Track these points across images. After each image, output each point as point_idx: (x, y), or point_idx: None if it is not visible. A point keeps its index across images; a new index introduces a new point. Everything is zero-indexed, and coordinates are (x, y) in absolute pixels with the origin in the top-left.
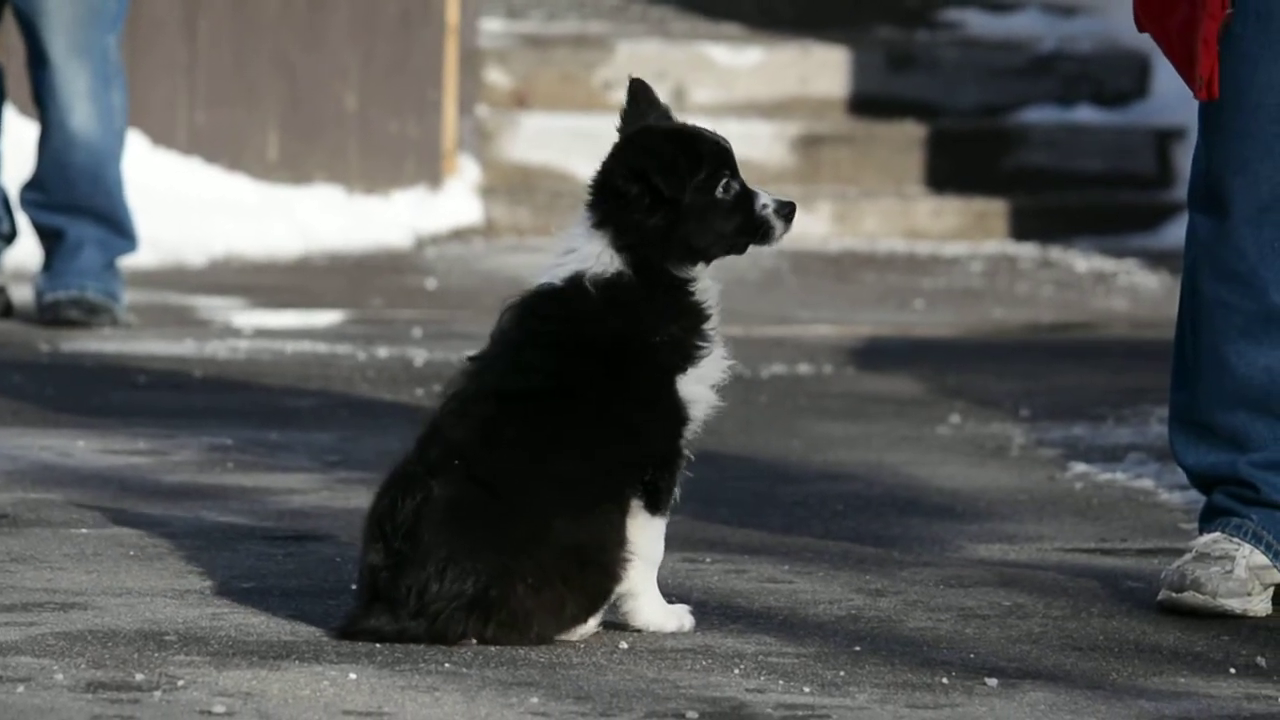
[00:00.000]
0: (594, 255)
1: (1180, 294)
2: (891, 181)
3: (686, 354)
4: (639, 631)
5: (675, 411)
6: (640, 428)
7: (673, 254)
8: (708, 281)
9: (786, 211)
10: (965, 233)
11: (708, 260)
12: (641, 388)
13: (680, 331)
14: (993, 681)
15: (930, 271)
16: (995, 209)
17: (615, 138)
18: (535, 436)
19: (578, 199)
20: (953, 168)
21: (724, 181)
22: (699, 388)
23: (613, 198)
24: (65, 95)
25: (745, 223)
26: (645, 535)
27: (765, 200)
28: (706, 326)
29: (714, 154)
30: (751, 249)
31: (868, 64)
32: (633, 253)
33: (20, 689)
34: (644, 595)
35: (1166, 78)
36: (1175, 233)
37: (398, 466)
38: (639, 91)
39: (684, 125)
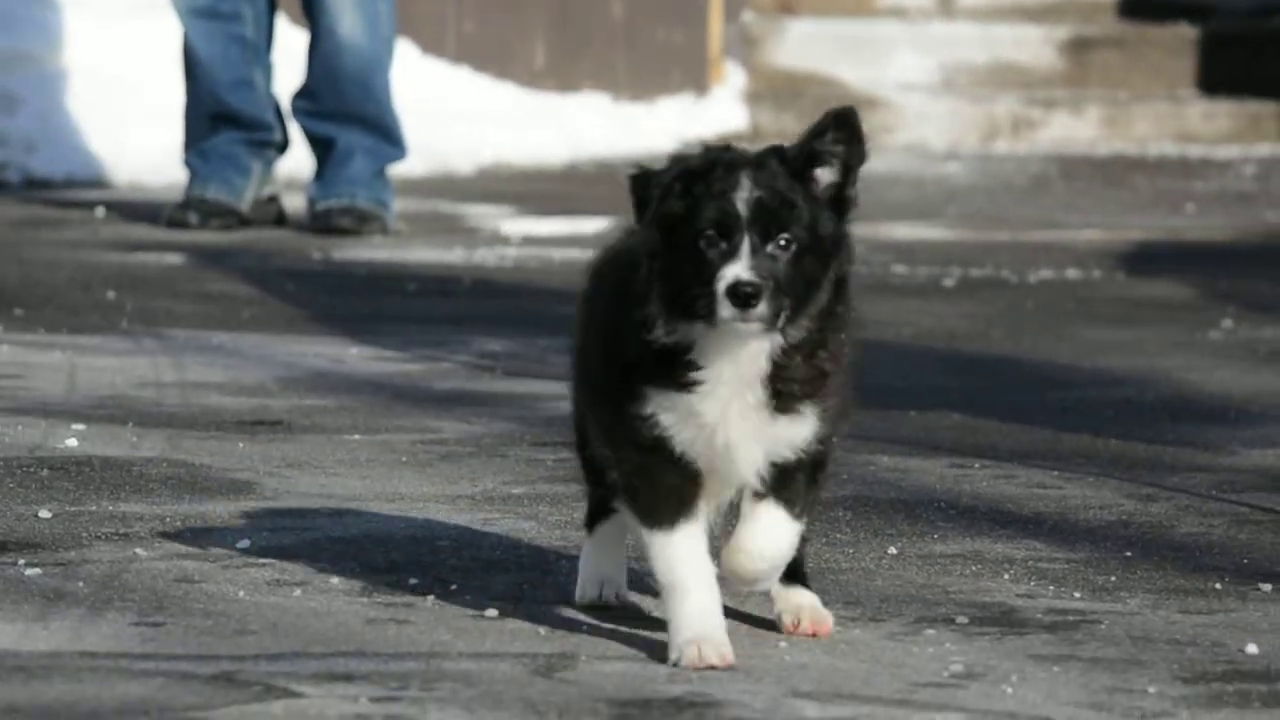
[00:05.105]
0: None
1: None
2: (1163, 84)
3: None
4: (907, 536)
5: None
6: None
7: (647, 301)
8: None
9: (735, 294)
10: (1238, 135)
11: (686, 320)
12: None
13: None
14: (1267, 586)
15: (1202, 175)
16: (1269, 111)
17: (881, 46)
18: None
19: (844, 104)
20: (1225, 70)
21: (706, 233)
22: None
23: None
24: (334, 3)
25: (694, 289)
26: None
27: (728, 273)
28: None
29: (710, 199)
30: None
31: None
32: None
33: (297, 592)
34: None
35: None
36: None
37: None
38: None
39: (739, 156)
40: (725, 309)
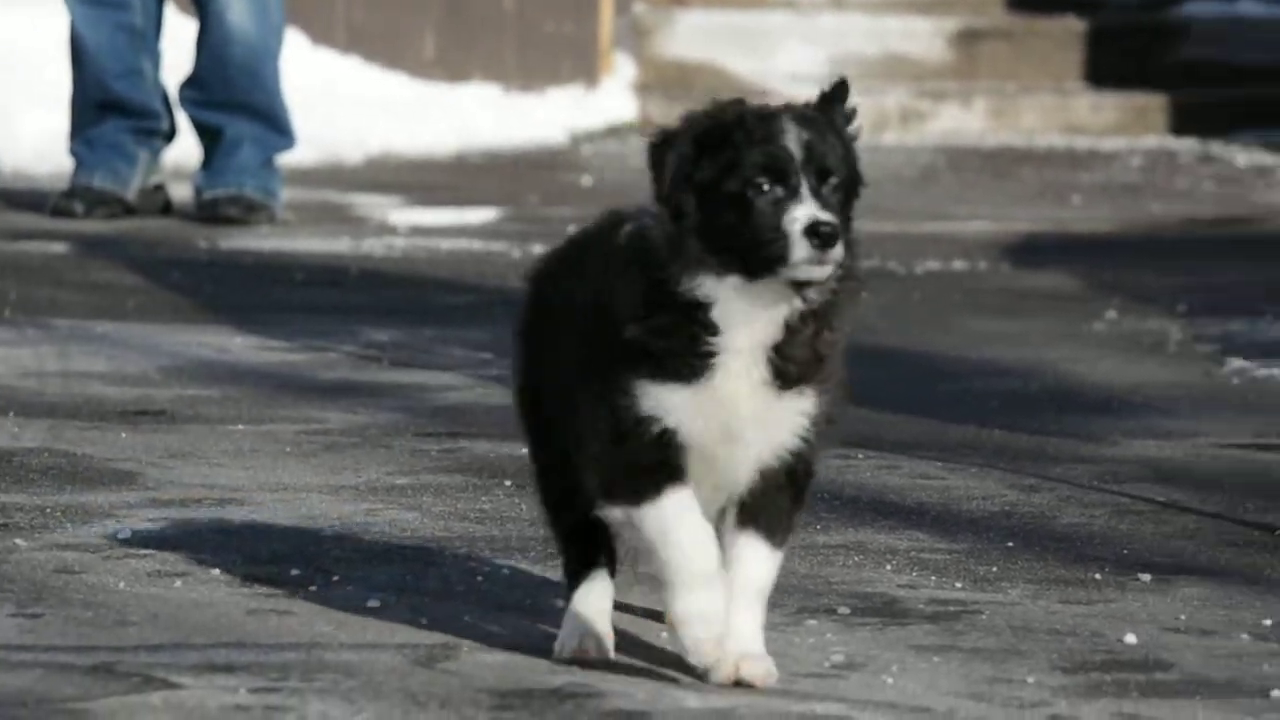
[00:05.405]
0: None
1: None
2: (1050, 77)
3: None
4: None
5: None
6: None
7: (674, 258)
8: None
9: (815, 234)
10: (1124, 128)
11: (719, 274)
12: None
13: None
14: (1146, 577)
15: (1088, 167)
16: (1155, 104)
17: (771, 37)
18: None
19: (734, 96)
20: (1113, 62)
21: (755, 180)
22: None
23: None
24: None
25: (758, 236)
26: None
27: (801, 214)
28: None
29: (753, 145)
30: None
31: None
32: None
33: (178, 583)
34: None
35: None
36: None
37: None
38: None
39: (770, 109)
40: (801, 250)
